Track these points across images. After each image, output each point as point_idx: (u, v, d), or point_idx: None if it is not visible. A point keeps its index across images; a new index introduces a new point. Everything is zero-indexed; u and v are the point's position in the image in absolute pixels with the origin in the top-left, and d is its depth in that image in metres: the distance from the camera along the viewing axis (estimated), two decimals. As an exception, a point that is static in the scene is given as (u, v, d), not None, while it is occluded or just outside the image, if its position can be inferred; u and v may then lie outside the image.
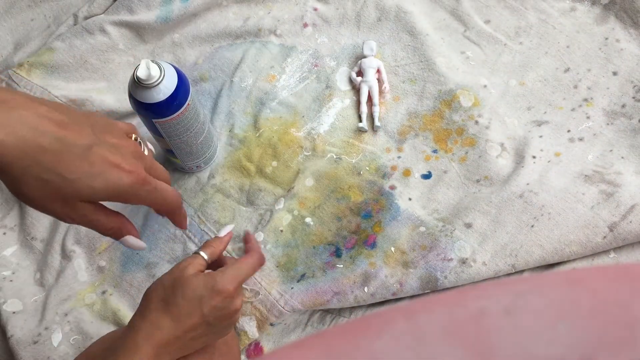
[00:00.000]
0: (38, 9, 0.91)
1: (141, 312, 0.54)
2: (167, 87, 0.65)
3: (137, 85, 0.65)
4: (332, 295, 0.70)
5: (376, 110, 0.80)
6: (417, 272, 0.70)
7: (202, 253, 0.60)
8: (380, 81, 0.81)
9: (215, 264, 0.62)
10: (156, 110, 0.66)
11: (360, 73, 0.82)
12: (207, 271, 0.59)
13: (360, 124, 0.79)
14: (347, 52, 0.85)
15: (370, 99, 0.81)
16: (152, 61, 0.65)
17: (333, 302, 0.71)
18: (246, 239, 0.66)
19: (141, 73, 0.64)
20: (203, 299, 0.55)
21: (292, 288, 0.71)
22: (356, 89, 0.82)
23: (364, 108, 0.80)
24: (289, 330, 0.73)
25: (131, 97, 0.66)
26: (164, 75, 0.65)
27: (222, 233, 0.65)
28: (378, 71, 0.81)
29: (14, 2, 0.90)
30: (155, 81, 0.64)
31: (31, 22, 0.90)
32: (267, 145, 0.80)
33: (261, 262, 0.62)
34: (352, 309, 0.73)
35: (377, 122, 0.79)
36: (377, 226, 0.74)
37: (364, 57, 0.82)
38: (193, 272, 0.56)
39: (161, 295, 0.55)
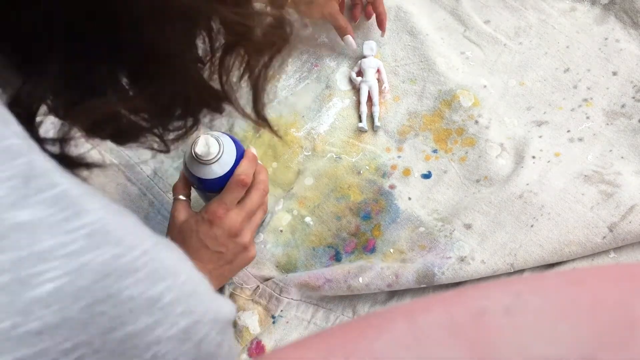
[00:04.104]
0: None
1: None
2: (226, 162, 0.63)
3: (194, 160, 0.62)
4: (324, 282, 0.70)
5: (376, 110, 0.80)
6: (414, 267, 0.70)
7: (180, 197, 0.65)
8: (380, 81, 0.81)
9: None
10: (214, 185, 0.64)
11: (360, 73, 0.82)
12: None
13: (360, 124, 0.79)
14: (347, 52, 0.85)
15: (370, 98, 0.81)
16: (211, 135, 0.62)
17: (325, 289, 0.71)
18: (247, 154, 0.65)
19: (200, 150, 0.61)
20: (198, 233, 0.61)
21: (286, 276, 0.72)
22: (356, 89, 0.82)
23: (364, 108, 0.80)
24: (291, 329, 0.73)
25: (187, 169, 0.64)
26: (222, 151, 0.62)
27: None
28: (378, 71, 0.81)
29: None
30: (214, 158, 0.62)
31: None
32: (267, 146, 0.80)
33: (239, 182, 0.63)
34: (355, 307, 0.73)
35: (377, 122, 0.79)
36: (377, 229, 0.74)
37: (364, 57, 0.82)
38: (185, 215, 0.63)
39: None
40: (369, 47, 0.82)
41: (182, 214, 0.64)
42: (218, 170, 0.63)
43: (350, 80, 0.82)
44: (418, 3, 0.87)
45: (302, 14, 0.76)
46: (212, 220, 0.62)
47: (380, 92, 0.81)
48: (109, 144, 0.82)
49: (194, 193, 0.68)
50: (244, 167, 0.63)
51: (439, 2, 0.87)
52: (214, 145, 0.62)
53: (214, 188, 0.64)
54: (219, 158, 0.62)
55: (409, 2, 0.86)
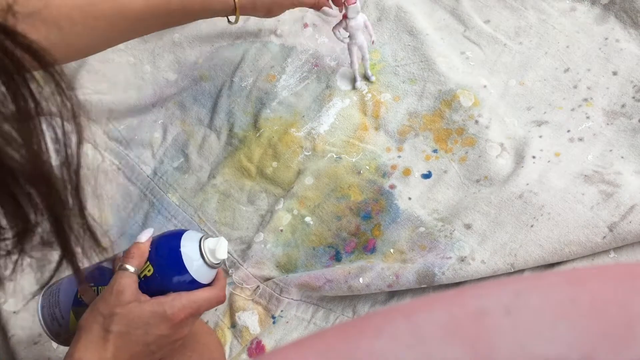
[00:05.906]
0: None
1: (83, 344, 0.51)
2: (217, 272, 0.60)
3: (199, 257, 0.57)
4: (324, 282, 0.71)
5: (367, 63, 0.81)
6: (415, 267, 0.70)
7: (129, 267, 0.55)
8: (368, 33, 0.81)
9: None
10: (191, 288, 0.57)
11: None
12: (154, 298, 0.55)
13: (357, 83, 0.81)
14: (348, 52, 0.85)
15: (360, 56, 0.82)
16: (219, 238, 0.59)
17: (325, 289, 0.71)
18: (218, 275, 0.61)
19: (217, 251, 0.57)
20: (149, 328, 0.53)
21: (287, 277, 0.72)
22: (344, 45, 0.81)
23: (356, 66, 0.81)
24: (291, 329, 0.73)
25: (179, 261, 0.57)
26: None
27: (143, 238, 0.58)
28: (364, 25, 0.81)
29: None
30: (221, 262, 0.59)
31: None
32: (267, 146, 0.80)
33: (219, 299, 0.58)
34: (355, 307, 0.73)
35: (369, 72, 0.81)
36: (377, 229, 0.74)
37: (349, 18, 0.80)
38: (131, 297, 0.53)
39: (101, 325, 0.52)
40: (354, 10, 0.78)
41: (129, 292, 0.54)
42: (211, 275, 0.58)
43: (352, 81, 0.82)
44: (418, 3, 0.87)
45: (265, 16, 0.74)
46: (169, 320, 0.54)
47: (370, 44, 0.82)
48: (108, 143, 0.82)
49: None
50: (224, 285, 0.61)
51: (439, 2, 0.87)
52: (224, 248, 0.58)
53: (187, 289, 0.57)
54: (219, 264, 0.59)
55: (409, 2, 0.86)
